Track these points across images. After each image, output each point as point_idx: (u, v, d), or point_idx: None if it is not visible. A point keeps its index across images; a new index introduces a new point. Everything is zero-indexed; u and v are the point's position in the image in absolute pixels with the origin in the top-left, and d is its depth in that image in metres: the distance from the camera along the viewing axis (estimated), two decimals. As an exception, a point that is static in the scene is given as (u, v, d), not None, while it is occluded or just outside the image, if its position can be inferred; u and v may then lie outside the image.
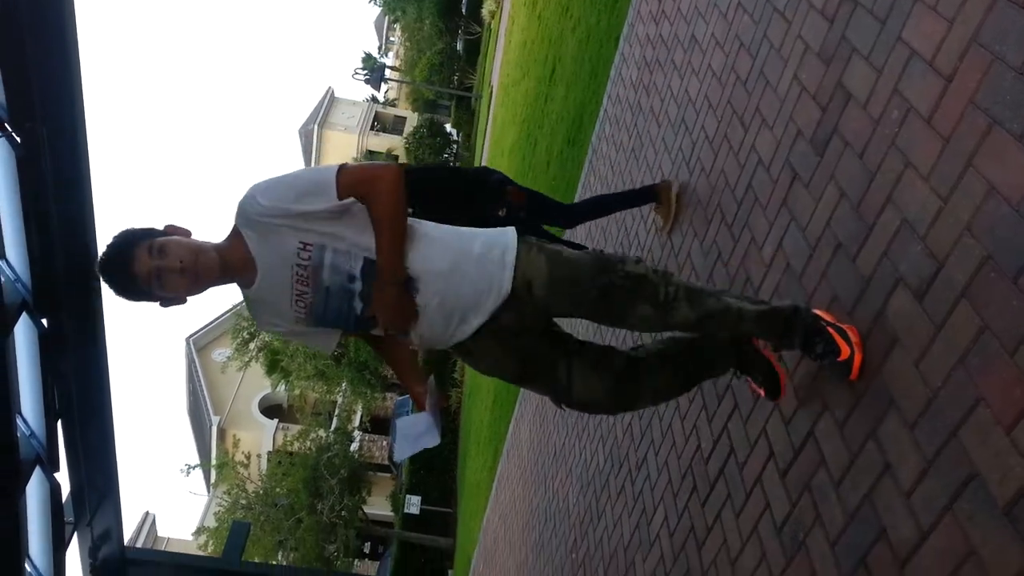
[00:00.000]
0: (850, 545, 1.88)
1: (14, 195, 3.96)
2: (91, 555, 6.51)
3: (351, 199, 1.83)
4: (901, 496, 1.73)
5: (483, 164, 19.65)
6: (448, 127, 30.56)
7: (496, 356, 2.04)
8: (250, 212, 1.84)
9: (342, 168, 1.84)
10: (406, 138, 30.53)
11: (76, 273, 4.05)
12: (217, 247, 1.88)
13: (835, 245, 2.21)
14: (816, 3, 2.60)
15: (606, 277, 1.91)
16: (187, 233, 1.89)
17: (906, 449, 1.75)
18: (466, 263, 1.90)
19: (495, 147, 17.66)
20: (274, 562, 17.71)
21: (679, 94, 3.93)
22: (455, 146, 29.74)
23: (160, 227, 1.89)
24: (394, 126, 42.03)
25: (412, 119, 36.56)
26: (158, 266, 1.79)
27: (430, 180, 3.47)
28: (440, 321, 1.93)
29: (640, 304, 1.93)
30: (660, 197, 3.68)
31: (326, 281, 1.87)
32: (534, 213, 3.57)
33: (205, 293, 1.93)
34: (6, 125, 3.48)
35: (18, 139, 3.65)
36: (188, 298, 1.91)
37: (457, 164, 27.37)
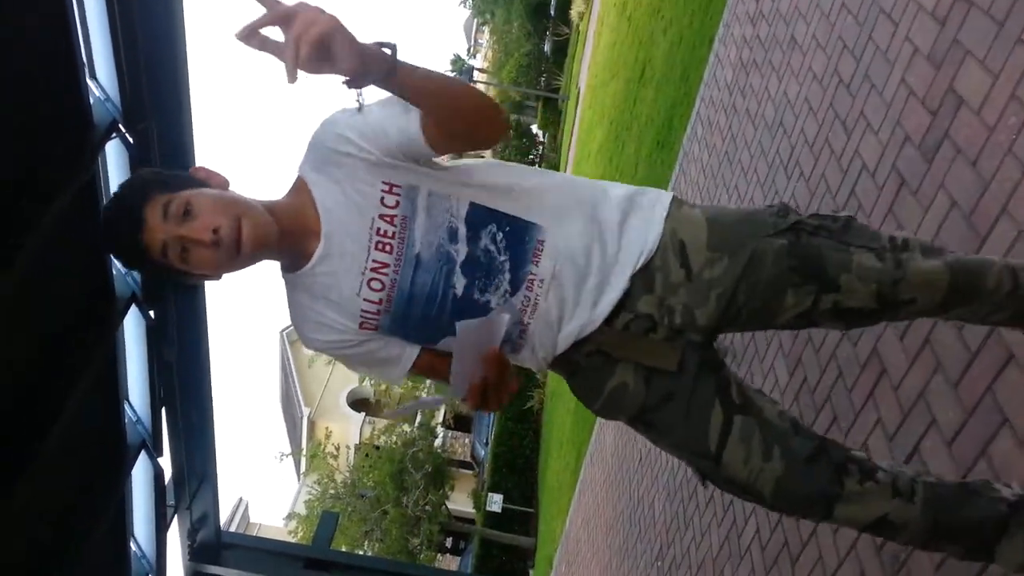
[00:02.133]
0: (954, 567, 1.82)
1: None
2: (189, 537, 6.83)
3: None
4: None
5: (569, 166, 19.64)
6: (534, 128, 30.64)
7: (621, 377, 1.38)
8: (323, 139, 1.28)
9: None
10: (493, 139, 30.67)
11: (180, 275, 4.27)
12: (270, 204, 1.31)
13: (945, 256, 2.13)
14: (926, 4, 2.51)
15: (795, 215, 1.38)
16: (224, 183, 1.31)
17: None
18: (606, 211, 1.36)
19: (581, 149, 17.63)
20: (360, 551, 18.18)
21: (777, 96, 3.85)
22: (541, 147, 29.81)
23: (185, 171, 1.32)
24: (481, 127, 42.32)
25: (499, 120, 36.77)
26: (181, 236, 1.22)
27: None
28: (570, 298, 1.34)
29: (859, 250, 1.34)
30: None
31: (418, 243, 1.30)
32: None
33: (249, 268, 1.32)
34: (120, 126, 3.69)
35: (131, 139, 3.88)
36: (224, 275, 1.33)
37: (540, 166, 27.40)
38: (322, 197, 1.30)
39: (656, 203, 1.39)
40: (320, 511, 12.84)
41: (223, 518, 7.27)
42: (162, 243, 1.22)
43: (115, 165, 4.16)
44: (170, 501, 5.93)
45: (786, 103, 3.69)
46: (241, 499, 32.06)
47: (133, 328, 4.33)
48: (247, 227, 1.23)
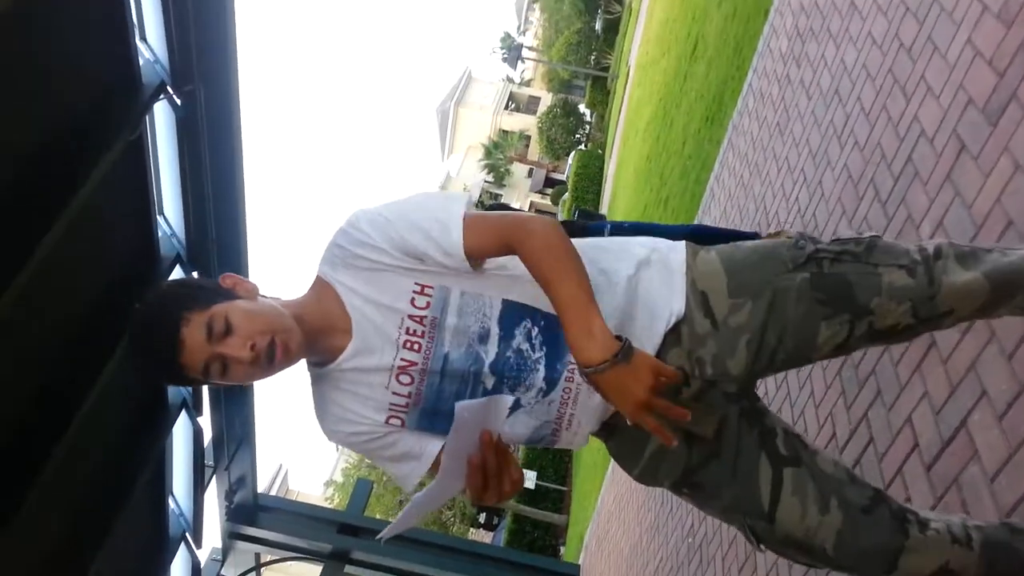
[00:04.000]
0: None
1: (174, 156, 4.25)
2: (227, 498, 6.95)
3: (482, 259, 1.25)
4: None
5: (616, 145, 19.42)
6: (582, 107, 30.39)
7: (659, 440, 1.20)
8: (349, 244, 1.24)
9: (467, 221, 1.22)
10: (539, 118, 30.62)
11: (226, 229, 4.30)
12: (295, 310, 1.27)
13: (1006, 222, 2.02)
14: (999, -41, 2.37)
15: (812, 245, 1.31)
16: (253, 291, 1.27)
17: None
18: (633, 281, 1.30)
19: (629, 127, 17.41)
20: (394, 520, 18.40)
21: (833, 64, 3.71)
22: (587, 126, 29.57)
23: (215, 281, 1.27)
24: (528, 106, 42.23)
25: (546, 99, 36.61)
26: (222, 355, 1.19)
27: None
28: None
29: (888, 269, 1.27)
30: None
31: (447, 343, 1.25)
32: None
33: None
34: (168, 88, 3.72)
35: (179, 101, 3.91)
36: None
37: (587, 145, 27.12)
38: (349, 296, 1.26)
39: (671, 258, 1.34)
40: (356, 479, 13.01)
41: (262, 484, 7.37)
42: (204, 363, 1.20)
43: (163, 125, 4.20)
44: (209, 462, 6.06)
45: (843, 71, 3.55)
46: (281, 466, 32.73)
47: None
48: (281, 341, 1.21)
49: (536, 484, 16.66)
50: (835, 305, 1.27)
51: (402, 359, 1.26)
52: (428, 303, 1.24)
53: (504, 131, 38.82)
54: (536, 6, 40.73)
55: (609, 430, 1.36)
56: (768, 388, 3.51)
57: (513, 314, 1.26)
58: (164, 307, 1.20)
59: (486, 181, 36.14)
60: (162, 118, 4.14)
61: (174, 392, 4.98)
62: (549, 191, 33.65)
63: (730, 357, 1.29)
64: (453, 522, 18.28)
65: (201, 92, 3.90)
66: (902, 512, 1.34)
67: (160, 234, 4.23)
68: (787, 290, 1.28)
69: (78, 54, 2.82)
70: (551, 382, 1.28)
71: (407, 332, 1.25)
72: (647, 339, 1.27)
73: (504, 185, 36.52)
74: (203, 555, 7.89)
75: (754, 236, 3.58)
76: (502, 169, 36.58)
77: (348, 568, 9.08)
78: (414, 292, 1.24)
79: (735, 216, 4.91)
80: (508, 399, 1.13)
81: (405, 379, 1.27)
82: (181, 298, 1.21)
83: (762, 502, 1.30)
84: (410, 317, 1.24)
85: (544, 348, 1.27)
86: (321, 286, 1.28)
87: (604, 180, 21.84)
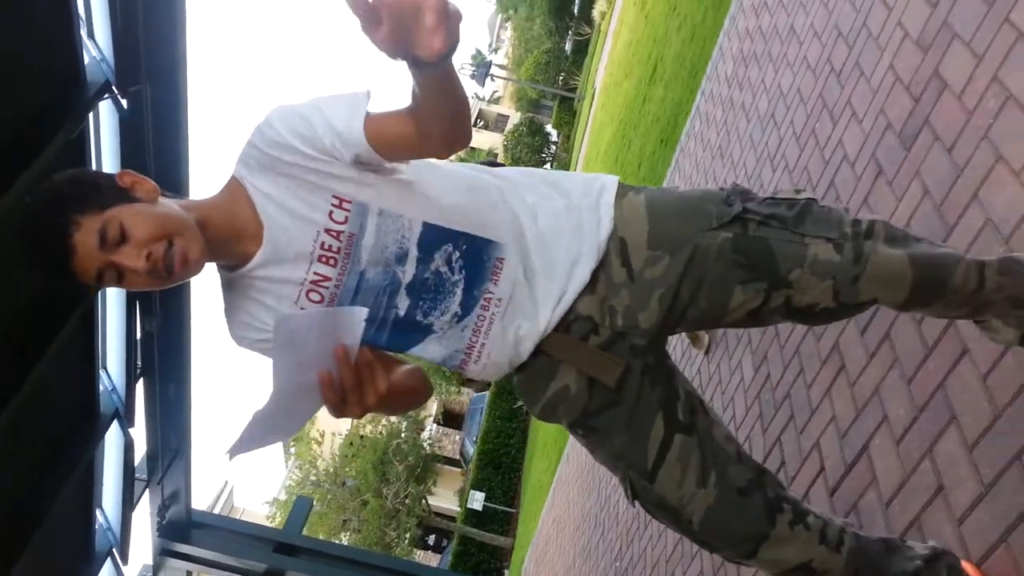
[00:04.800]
0: None
1: (116, 159, 4.10)
2: (159, 513, 6.73)
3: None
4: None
5: (579, 165, 19.52)
6: (548, 127, 30.55)
7: (564, 380, 1.29)
8: (262, 144, 1.17)
9: (372, 117, 1.15)
10: (505, 136, 30.70)
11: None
12: (201, 213, 1.19)
13: (913, 246, 2.01)
14: (921, -14, 2.39)
15: (740, 204, 1.26)
16: (153, 191, 1.17)
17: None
18: (559, 208, 1.27)
19: (592, 149, 17.52)
20: (337, 540, 18.09)
21: (771, 88, 3.72)
22: (553, 147, 29.73)
23: (112, 177, 1.17)
24: (496, 124, 42.38)
25: (515, 118, 36.78)
26: (116, 263, 1.11)
27: None
28: (525, 305, 1.25)
29: (815, 241, 1.22)
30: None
31: (363, 260, 1.21)
32: None
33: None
34: (113, 87, 3.60)
35: (124, 102, 3.79)
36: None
37: (552, 165, 27.30)
38: (262, 202, 1.19)
39: (602, 195, 1.29)
40: (295, 497, 12.77)
41: (206, 501, 7.14)
42: (97, 270, 1.11)
43: (107, 127, 4.06)
44: (142, 475, 5.85)
45: (779, 94, 3.57)
46: (227, 483, 32.04)
47: (115, 298, 4.25)
48: (180, 250, 1.12)
49: (483, 505, 16.51)
50: (753, 271, 1.23)
51: (315, 273, 1.20)
52: (346, 218, 1.18)
53: (472, 148, 38.85)
54: (508, 25, 41.01)
55: (519, 366, 1.31)
56: (694, 409, 3.48)
57: (434, 237, 1.21)
58: (54, 208, 1.09)
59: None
60: (106, 119, 4.01)
61: (106, 401, 4.79)
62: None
63: (642, 310, 1.26)
64: (397, 543, 17.99)
65: (147, 92, 3.79)
66: (778, 501, 1.30)
67: (103, 386, 4.09)
68: (708, 248, 1.23)
69: (20, 47, 2.70)
70: (466, 307, 1.24)
71: (322, 247, 1.19)
72: (569, 280, 1.24)
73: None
74: (133, 572, 7.65)
75: None
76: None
77: (289, 582, 8.86)
78: (332, 205, 1.18)
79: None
80: (362, 311, 1.07)
81: (315, 296, 1.22)
82: (72, 199, 1.09)
83: (647, 459, 1.28)
84: (327, 231, 1.18)
85: (463, 272, 1.23)
86: (235, 187, 1.21)
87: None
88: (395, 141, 1.13)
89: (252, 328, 1.25)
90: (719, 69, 5.10)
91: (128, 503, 5.50)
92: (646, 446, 1.28)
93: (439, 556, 25.99)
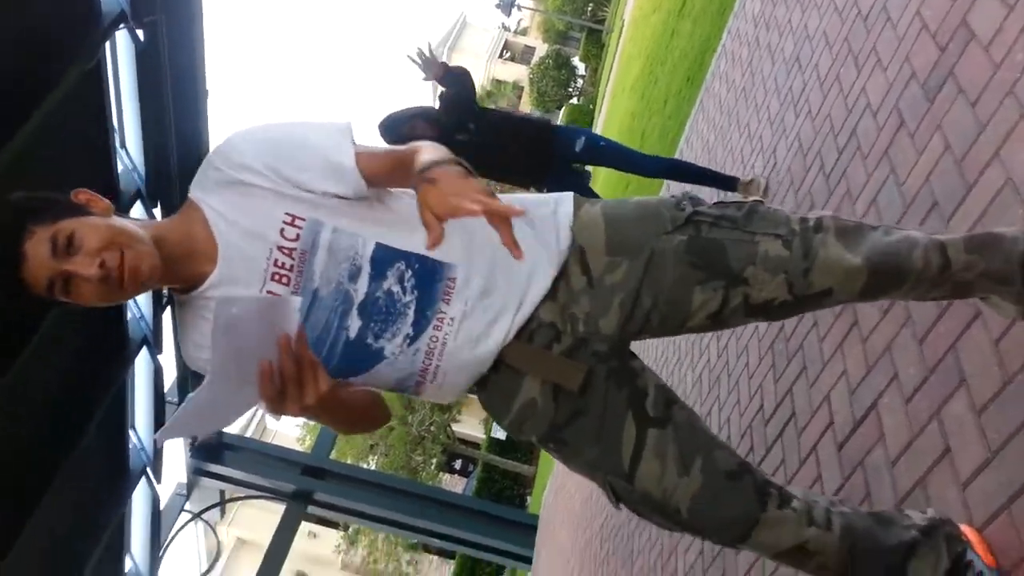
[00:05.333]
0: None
1: (134, 89, 4.11)
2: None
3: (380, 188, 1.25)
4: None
5: (606, 99, 19.19)
6: (576, 60, 29.91)
7: (529, 393, 1.29)
8: (223, 164, 1.21)
9: (359, 155, 1.21)
10: (531, 68, 30.14)
11: (189, 165, 4.21)
12: (156, 231, 1.21)
13: (931, 204, 1.97)
14: (954, -73, 2.28)
15: (691, 207, 1.29)
16: (107, 208, 1.19)
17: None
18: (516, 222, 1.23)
19: (619, 83, 17.17)
20: (364, 464, 18.62)
21: (798, 29, 3.61)
22: (580, 80, 29.15)
23: (67, 195, 1.18)
24: (523, 56, 41.58)
25: (541, 50, 36.00)
26: (67, 271, 1.12)
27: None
28: (480, 323, 1.25)
29: (764, 238, 1.26)
30: (742, 192, 3.41)
31: (316, 279, 1.20)
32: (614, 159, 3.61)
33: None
34: (129, 18, 3.58)
35: (139, 32, 3.77)
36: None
37: (579, 99, 26.81)
38: (216, 220, 1.20)
39: (559, 210, 1.31)
40: (325, 423, 13.08)
41: (239, 426, 7.37)
42: (48, 279, 1.12)
43: (124, 57, 4.05)
44: (173, 399, 6.03)
45: (805, 36, 3.46)
46: (258, 408, 32.63)
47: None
48: (130, 260, 1.13)
49: (508, 435, 16.83)
50: (709, 270, 1.26)
51: (268, 292, 1.20)
52: (298, 235, 1.19)
53: (497, 80, 38.22)
54: (536, -47, 39.80)
55: (481, 382, 1.32)
56: (711, 357, 3.50)
57: (387, 256, 1.22)
58: (9, 218, 1.12)
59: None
60: (123, 49, 4.00)
61: (135, 328, 4.91)
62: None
63: (603, 316, 1.27)
64: (423, 467, 18.48)
65: (163, 23, 3.77)
66: (766, 485, 1.32)
67: (121, 168, 4.11)
68: (664, 251, 1.26)
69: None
70: (418, 328, 1.24)
71: (275, 264, 1.19)
72: (528, 289, 1.26)
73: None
74: (168, 490, 7.95)
75: (732, 180, 3.50)
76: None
77: (311, 509, 9.17)
78: (284, 222, 1.19)
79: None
80: (296, 300, 1.06)
81: None
82: (27, 211, 1.13)
83: (623, 461, 1.28)
84: (279, 248, 1.19)
85: (416, 292, 1.23)
86: (190, 209, 1.23)
87: (592, 135, 21.56)
88: (387, 181, 1.20)
89: (205, 348, 1.21)
90: (747, 7, 4.94)
91: (160, 424, 5.70)
92: (619, 449, 1.28)
93: (465, 480, 26.67)
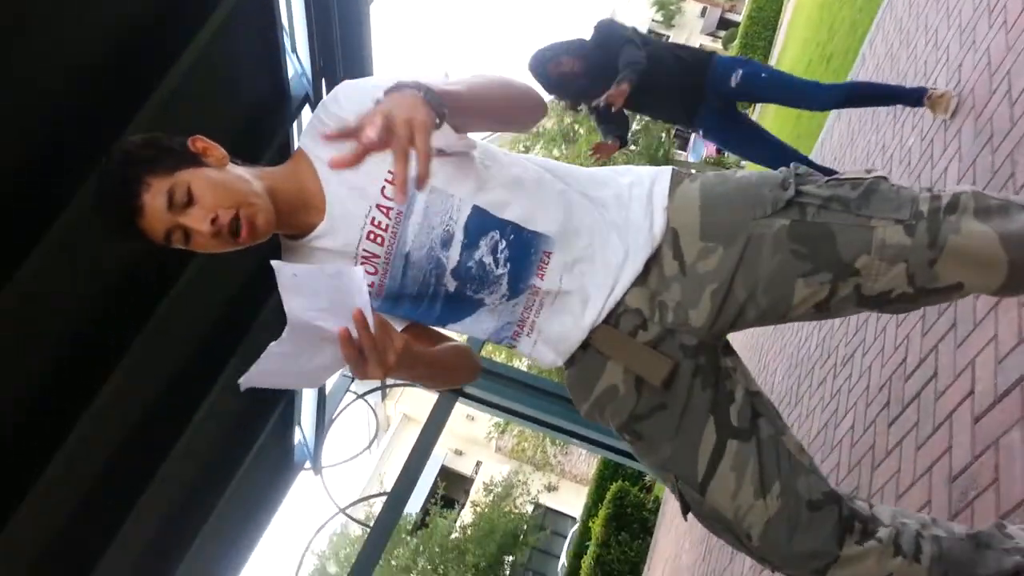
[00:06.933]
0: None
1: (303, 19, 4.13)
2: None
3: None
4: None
5: (784, 25, 17.55)
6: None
7: (611, 378, 1.23)
8: (327, 118, 1.18)
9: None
10: None
11: (354, 70, 4.22)
12: (270, 182, 1.20)
13: None
14: None
15: (794, 187, 1.16)
16: (223, 159, 1.18)
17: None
18: (610, 199, 1.23)
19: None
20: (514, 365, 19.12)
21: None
22: None
23: (184, 142, 1.18)
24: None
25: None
26: (183, 225, 1.13)
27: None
28: (571, 301, 1.21)
29: (883, 223, 1.10)
30: (932, 108, 2.96)
31: (409, 242, 1.19)
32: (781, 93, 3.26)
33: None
34: None
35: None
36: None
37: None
38: (326, 174, 1.19)
39: (654, 189, 1.22)
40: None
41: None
42: (165, 231, 1.14)
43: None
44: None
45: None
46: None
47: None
48: (247, 215, 1.14)
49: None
50: (814, 260, 1.12)
51: (364, 249, 1.20)
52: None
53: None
54: None
55: (570, 359, 1.27)
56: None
57: (481, 222, 1.18)
58: (127, 168, 1.13)
59: (653, 20, 33.70)
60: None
61: (297, 86, 4.72)
62: (722, 33, 31.02)
63: (693, 307, 1.18)
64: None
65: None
66: (851, 519, 1.19)
67: (291, 72, 4.22)
68: (762, 237, 1.14)
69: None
70: (515, 292, 1.22)
71: (372, 223, 1.19)
72: (621, 271, 1.19)
73: (673, 25, 33.90)
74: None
75: (919, 93, 3.02)
76: (672, 7, 33.95)
77: (461, 400, 9.64)
78: (386, 180, 1.17)
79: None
80: (359, 270, 1.02)
81: (369, 269, 1.21)
82: (145, 160, 1.13)
83: (697, 469, 1.20)
84: (378, 207, 1.18)
85: (508, 265, 1.19)
86: (301, 159, 1.23)
87: (778, 27, 19.92)
88: (461, 107, 1.10)
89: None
90: None
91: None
92: (695, 455, 1.20)
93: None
